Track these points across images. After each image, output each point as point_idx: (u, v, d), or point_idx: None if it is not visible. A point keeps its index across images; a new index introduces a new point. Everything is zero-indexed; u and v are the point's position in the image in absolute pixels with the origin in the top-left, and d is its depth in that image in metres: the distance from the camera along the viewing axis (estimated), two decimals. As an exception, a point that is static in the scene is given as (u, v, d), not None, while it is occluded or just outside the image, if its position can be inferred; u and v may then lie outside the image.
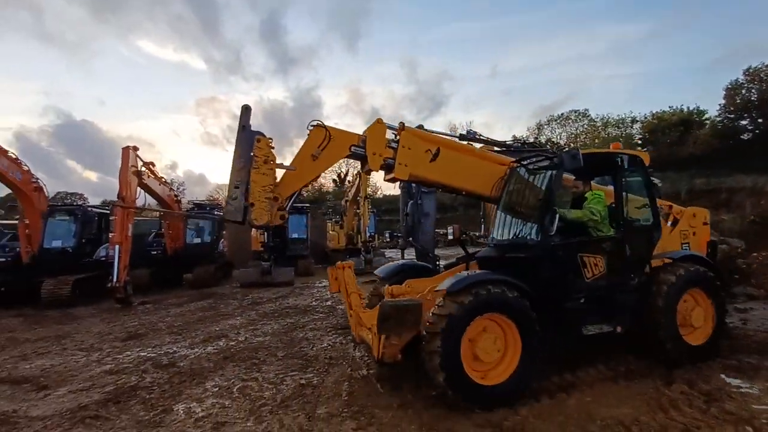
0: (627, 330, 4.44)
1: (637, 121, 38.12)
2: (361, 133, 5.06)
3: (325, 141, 4.96)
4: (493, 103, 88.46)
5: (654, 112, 36.62)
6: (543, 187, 4.60)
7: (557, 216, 4.15)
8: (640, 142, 36.16)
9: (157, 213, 15.33)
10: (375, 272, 5.81)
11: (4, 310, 9.78)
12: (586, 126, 40.37)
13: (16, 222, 11.61)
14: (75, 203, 16.32)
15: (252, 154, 4.62)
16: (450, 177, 5.31)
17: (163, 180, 13.35)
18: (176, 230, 14.23)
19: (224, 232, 17.18)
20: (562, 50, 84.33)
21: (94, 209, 13.52)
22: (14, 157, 10.80)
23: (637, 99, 75.46)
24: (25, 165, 11.17)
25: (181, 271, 13.88)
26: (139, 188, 10.93)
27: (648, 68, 73.30)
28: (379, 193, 46.87)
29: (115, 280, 9.93)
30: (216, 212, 16.85)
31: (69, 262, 11.20)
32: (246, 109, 4.82)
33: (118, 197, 10.19)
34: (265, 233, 10.69)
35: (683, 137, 32.65)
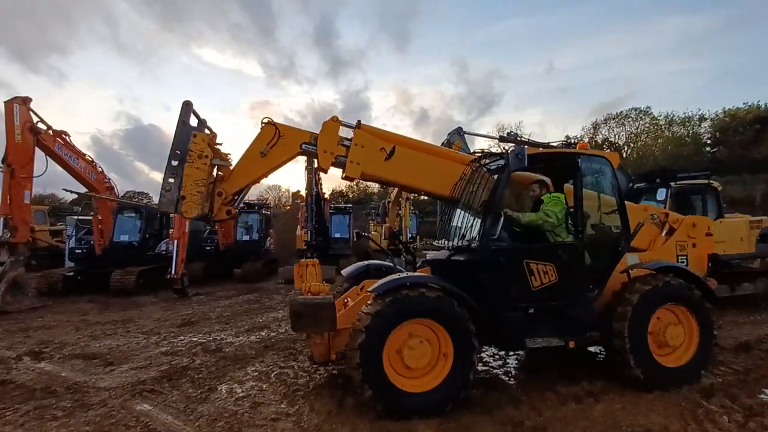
0: (584, 345, 4.27)
1: (706, 119, 35.08)
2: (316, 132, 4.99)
3: (274, 138, 4.93)
4: (547, 102, 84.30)
5: (726, 109, 33.51)
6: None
7: (501, 219, 4.00)
8: (708, 141, 33.32)
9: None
10: (342, 272, 5.74)
11: (79, 296, 10.95)
12: (647, 124, 37.65)
13: (91, 218, 12.89)
14: (142, 201, 17.98)
15: (188, 148, 4.73)
16: (405, 176, 5.14)
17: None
18: (228, 228, 15.17)
19: (271, 230, 18.07)
20: (621, 45, 79.05)
21: (154, 206, 14.75)
22: (90, 159, 12.05)
23: (705, 96, 68.99)
24: (99, 166, 12.41)
25: (231, 266, 14.76)
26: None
27: (718, 62, 66.98)
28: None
29: (173, 272, 10.87)
30: (264, 211, 17.77)
31: (134, 254, 12.32)
32: (186, 105, 4.95)
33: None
34: (309, 232, 11.14)
35: (759, 136, 29.64)
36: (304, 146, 5.04)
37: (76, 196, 16.56)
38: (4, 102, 9.43)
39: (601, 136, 38.80)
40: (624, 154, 35.96)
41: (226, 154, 5.13)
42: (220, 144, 5.07)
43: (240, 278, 14.25)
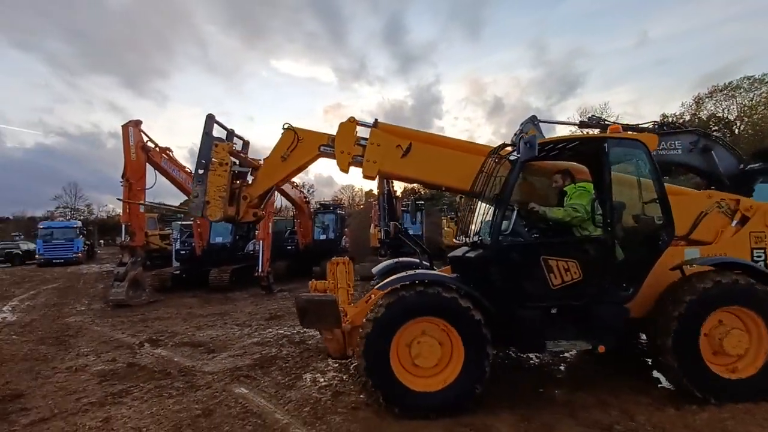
0: (617, 350, 3.80)
1: None
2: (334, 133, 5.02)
3: (294, 143, 5.12)
4: (640, 77, 75.66)
5: None
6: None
7: (514, 213, 3.74)
8: None
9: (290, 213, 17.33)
10: (372, 270, 5.72)
11: (185, 292, 12.39)
12: (765, 95, 32.10)
13: (191, 223, 14.48)
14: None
15: (210, 158, 5.09)
16: (423, 172, 5.00)
17: (296, 185, 15.24)
18: (306, 228, 16.08)
19: (346, 229, 18.77)
20: (730, 5, 68.66)
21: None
22: (189, 171, 13.55)
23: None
24: (196, 176, 13.93)
25: (311, 263, 15.63)
26: (276, 192, 12.74)
27: None
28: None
29: (260, 270, 11.83)
30: (339, 211, 18.53)
31: (228, 255, 13.63)
32: (209, 118, 5.31)
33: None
34: (383, 230, 11.42)
35: None
36: (322, 148, 5.19)
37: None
38: (122, 126, 10.98)
39: (705, 112, 34.05)
40: (736, 130, 31.23)
41: (256, 160, 5.57)
42: (244, 152, 5.57)
43: (319, 275, 15.01)
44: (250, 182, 5.55)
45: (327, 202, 19.08)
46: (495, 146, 4.49)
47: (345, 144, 5.11)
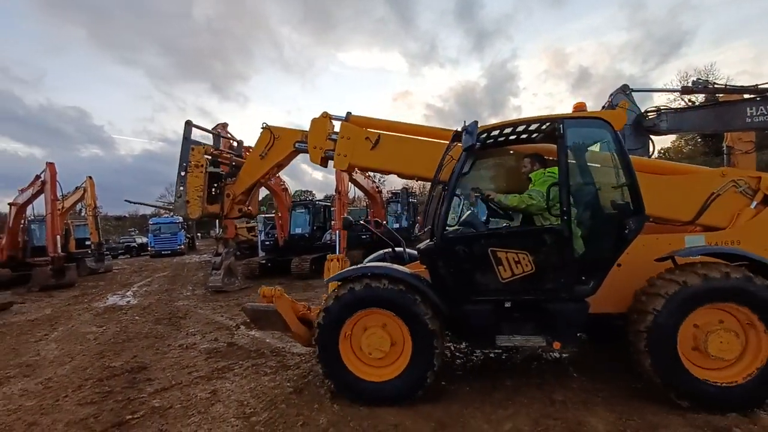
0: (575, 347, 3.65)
1: None
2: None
3: (270, 141, 5.38)
4: (760, 29, 64.23)
5: None
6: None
7: (461, 203, 3.43)
8: None
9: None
10: (365, 260, 5.56)
11: (271, 279, 13.36)
12: None
13: (273, 215, 15.52)
14: (308, 199, 21.12)
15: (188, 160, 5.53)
16: (393, 163, 4.92)
17: (368, 175, 15.53)
18: (379, 217, 16.36)
19: (418, 217, 18.79)
20: None
21: (321, 203, 16.88)
22: (269, 167, 14.52)
23: None
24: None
25: (385, 252, 15.96)
26: (350, 183, 13.12)
27: None
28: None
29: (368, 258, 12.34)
30: (410, 199, 18.60)
31: (307, 244, 14.40)
32: (187, 124, 5.98)
33: (336, 191, 12.51)
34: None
35: None
36: (297, 145, 5.38)
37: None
38: (211, 129, 12.03)
39: None
40: None
41: (241, 159, 6.40)
42: (236, 152, 6.47)
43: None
44: (232, 181, 6.13)
45: (397, 191, 19.22)
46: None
47: (317, 139, 5.22)
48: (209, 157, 6.72)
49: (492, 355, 4.82)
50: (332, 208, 15.74)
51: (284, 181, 15.10)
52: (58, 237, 14.17)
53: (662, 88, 10.52)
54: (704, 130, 7.92)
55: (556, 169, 3.62)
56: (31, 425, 3.76)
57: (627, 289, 3.60)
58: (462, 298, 3.65)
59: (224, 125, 12.26)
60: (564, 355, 4.67)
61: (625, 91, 7.50)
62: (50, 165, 14.59)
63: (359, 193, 15.61)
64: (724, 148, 9.69)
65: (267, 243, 15.44)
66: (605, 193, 3.68)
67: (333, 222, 13.66)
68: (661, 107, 7.39)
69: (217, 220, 12.03)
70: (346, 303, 3.62)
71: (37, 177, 15.05)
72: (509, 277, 3.50)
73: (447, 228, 3.69)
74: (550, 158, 4.00)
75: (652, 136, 7.37)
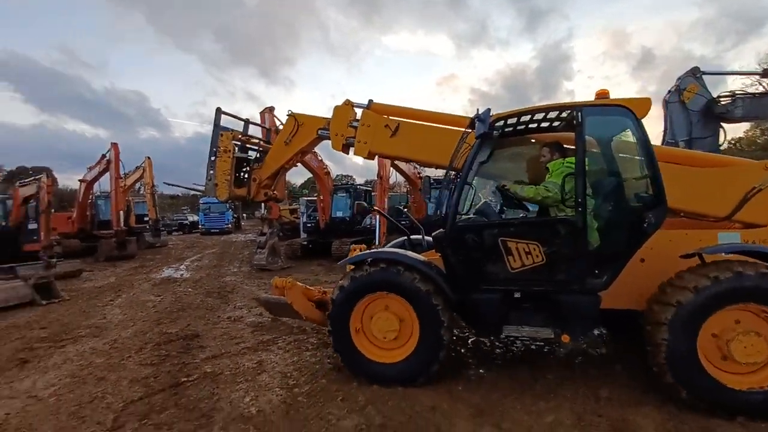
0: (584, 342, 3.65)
1: None
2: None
3: (294, 128, 5.52)
4: None
5: None
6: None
7: (470, 192, 3.67)
8: None
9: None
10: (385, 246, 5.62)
11: (311, 260, 13.77)
12: None
13: (315, 198, 15.86)
14: (349, 183, 21.40)
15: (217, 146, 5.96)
16: (412, 150, 4.94)
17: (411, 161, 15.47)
18: (419, 203, 16.29)
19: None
20: None
21: (362, 187, 17.04)
22: (313, 150, 14.78)
23: None
24: (319, 155, 15.13)
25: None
26: (392, 168, 13.12)
27: None
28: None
29: (377, 243, 12.44)
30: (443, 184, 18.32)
31: (347, 228, 14.63)
32: (217, 111, 6.23)
33: (377, 176, 12.58)
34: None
35: None
36: (320, 131, 5.50)
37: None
38: (259, 112, 12.40)
39: None
40: None
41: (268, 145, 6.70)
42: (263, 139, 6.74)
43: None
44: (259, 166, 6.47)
45: (439, 177, 18.99)
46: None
47: (339, 126, 5.30)
48: (237, 143, 7.03)
49: (534, 347, 4.73)
50: (373, 193, 15.86)
51: (327, 165, 15.36)
52: (121, 212, 15.30)
53: (738, 71, 9.57)
54: (785, 118, 7.17)
55: (570, 159, 3.52)
56: (101, 380, 4.16)
57: (650, 286, 3.39)
58: (471, 286, 3.67)
59: (271, 109, 12.60)
60: (609, 351, 4.49)
61: (695, 74, 6.95)
62: (114, 145, 15.67)
63: (401, 178, 15.58)
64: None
65: (309, 225, 15.85)
66: (625, 184, 3.52)
67: (373, 207, 13.76)
68: (737, 92, 6.78)
69: (262, 203, 12.46)
70: (359, 285, 3.74)
71: (103, 156, 16.23)
72: (519, 267, 3.47)
73: (459, 216, 3.67)
74: (572, 147, 3.78)
75: (723, 124, 6.80)
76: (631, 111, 3.37)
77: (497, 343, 4.89)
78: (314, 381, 3.91)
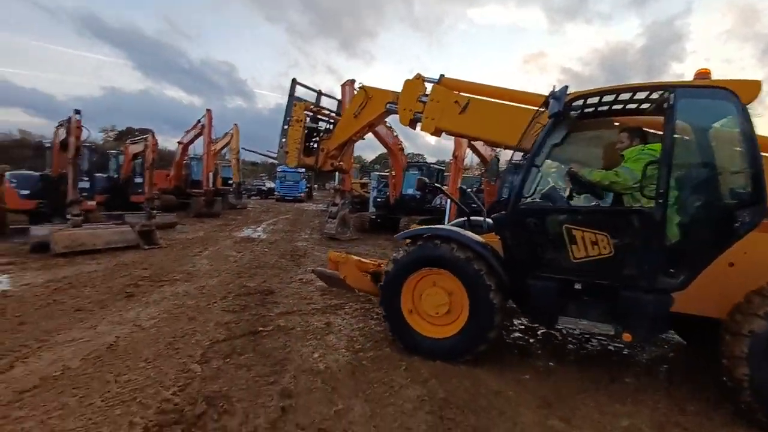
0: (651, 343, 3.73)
1: None
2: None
3: (364, 101, 5.55)
4: None
5: None
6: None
7: (538, 174, 3.58)
8: None
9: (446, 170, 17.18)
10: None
11: (378, 234, 14.02)
12: None
13: (387, 174, 15.97)
14: (422, 162, 21.07)
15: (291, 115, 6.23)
16: (480, 129, 4.67)
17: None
18: (492, 187, 15.72)
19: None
20: None
21: (435, 166, 16.83)
22: (389, 125, 14.79)
23: None
24: (395, 132, 15.11)
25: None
26: (468, 149, 12.74)
27: None
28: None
29: (446, 223, 12.30)
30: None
31: (417, 205, 14.62)
32: (293, 82, 6.56)
33: (453, 156, 12.31)
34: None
35: None
36: (388, 105, 5.43)
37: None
38: (341, 85, 12.62)
39: None
40: None
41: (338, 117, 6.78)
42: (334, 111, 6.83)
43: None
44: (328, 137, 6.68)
45: (518, 161, 18.10)
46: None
47: (408, 101, 5.18)
48: (309, 113, 7.19)
49: (611, 347, 4.41)
50: (446, 173, 15.59)
51: (401, 141, 15.33)
52: (211, 174, 16.72)
53: None
54: None
55: (657, 145, 3.17)
56: (191, 319, 4.65)
57: (736, 294, 2.98)
58: (528, 272, 3.54)
59: (352, 82, 12.71)
60: (701, 363, 4.03)
61: None
62: (208, 112, 17.04)
63: (476, 159, 15.10)
64: None
65: (379, 200, 16.07)
66: (718, 177, 3.13)
67: (445, 187, 13.55)
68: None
69: (336, 173, 12.84)
70: (413, 259, 3.79)
71: (198, 121, 17.74)
72: (582, 257, 3.28)
73: (523, 199, 3.51)
74: (658, 133, 3.41)
75: None
76: (735, 95, 2.96)
77: (570, 338, 4.63)
78: (379, 348, 4.01)
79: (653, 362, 4.10)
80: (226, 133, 20.64)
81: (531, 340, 4.53)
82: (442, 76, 5.11)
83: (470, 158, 13.53)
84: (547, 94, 4.13)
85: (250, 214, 19.67)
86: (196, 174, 19.46)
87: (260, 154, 20.96)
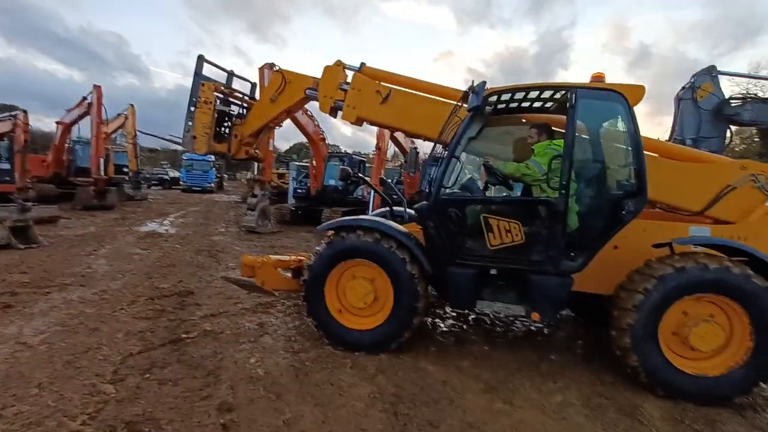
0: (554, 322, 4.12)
1: None
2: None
3: (281, 85, 5.31)
4: None
5: None
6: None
7: (459, 166, 3.71)
8: None
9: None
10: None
11: (300, 226, 13.55)
12: None
13: (307, 164, 15.48)
14: (344, 152, 20.61)
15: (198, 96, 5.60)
16: (401, 120, 4.79)
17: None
18: (413, 178, 16.15)
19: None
20: None
21: (357, 157, 16.72)
22: (310, 114, 14.29)
23: None
24: (316, 121, 14.66)
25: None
26: (389, 140, 12.87)
27: None
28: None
29: (371, 213, 12.33)
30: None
31: (339, 197, 14.41)
32: (199, 59, 5.98)
33: (376, 147, 12.33)
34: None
35: None
36: (308, 91, 5.28)
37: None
38: (258, 68, 11.79)
39: None
40: None
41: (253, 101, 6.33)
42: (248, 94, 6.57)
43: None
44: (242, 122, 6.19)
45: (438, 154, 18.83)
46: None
47: (328, 88, 5.07)
48: (219, 95, 6.63)
49: (533, 328, 4.78)
50: (367, 165, 15.61)
51: (323, 130, 14.93)
52: (102, 160, 14.59)
53: (754, 74, 9.61)
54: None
55: (561, 142, 3.48)
56: (94, 330, 3.97)
57: (621, 272, 3.50)
58: (449, 259, 3.65)
59: (271, 65, 11.94)
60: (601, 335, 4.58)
61: (710, 72, 6.92)
62: (97, 88, 14.77)
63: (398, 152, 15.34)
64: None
65: (299, 191, 15.53)
66: (609, 171, 3.54)
67: (367, 177, 13.56)
68: (748, 95, 6.81)
69: (255, 163, 12.07)
70: (336, 251, 3.74)
71: (84, 99, 15.29)
72: (498, 245, 3.49)
73: (443, 189, 3.64)
74: (560, 131, 3.84)
75: (732, 126, 6.85)
76: (625, 97, 3.33)
77: (497, 322, 4.92)
78: (320, 347, 3.84)
79: (569, 339, 4.54)
80: (120, 114, 18.22)
81: (464, 327, 4.72)
82: (363, 64, 5.05)
83: (391, 150, 13.73)
84: (461, 89, 4.36)
85: (153, 206, 17.67)
86: (83, 160, 16.88)
87: (162, 138, 18.92)
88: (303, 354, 3.68)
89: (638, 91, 3.54)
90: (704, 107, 6.87)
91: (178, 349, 3.67)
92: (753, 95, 6.72)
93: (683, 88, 7.07)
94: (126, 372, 3.20)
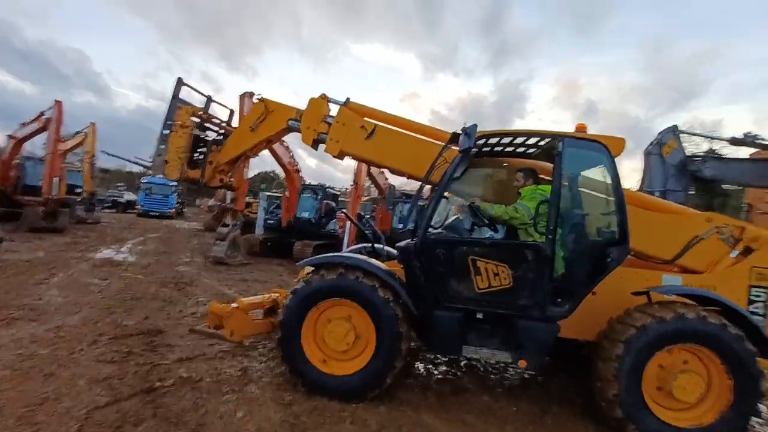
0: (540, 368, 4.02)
1: None
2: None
3: (263, 115, 5.24)
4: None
5: None
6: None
7: (446, 206, 3.65)
8: None
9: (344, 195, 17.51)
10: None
11: (271, 258, 13.04)
12: None
13: (279, 194, 15.13)
14: (318, 184, 20.18)
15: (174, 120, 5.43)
16: (385, 156, 4.81)
17: (382, 171, 15.29)
18: (385, 214, 16.13)
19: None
20: None
21: (331, 190, 16.57)
22: (286, 145, 14.14)
23: None
24: (291, 152, 14.50)
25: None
26: (367, 177, 12.89)
27: None
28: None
29: (345, 249, 12.07)
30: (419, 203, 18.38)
31: (312, 230, 14.08)
32: (178, 82, 5.87)
33: (353, 182, 12.28)
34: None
35: None
36: (290, 122, 5.20)
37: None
38: (239, 95, 11.63)
39: None
40: None
41: (231, 128, 6.28)
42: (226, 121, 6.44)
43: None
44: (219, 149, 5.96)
45: (409, 192, 19.00)
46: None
47: (312, 120, 5.04)
48: (197, 120, 6.45)
49: (527, 375, 4.67)
50: (341, 198, 15.47)
51: (297, 162, 14.76)
52: (56, 179, 13.56)
53: (711, 135, 10.58)
54: (746, 184, 8.00)
55: (547, 187, 3.57)
56: (49, 376, 3.46)
57: (599, 318, 3.57)
58: (434, 302, 3.56)
59: (251, 94, 11.84)
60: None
61: (674, 131, 7.51)
62: (58, 103, 13.96)
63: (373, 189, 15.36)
64: (744, 206, 9.75)
65: (270, 222, 15.07)
66: (593, 218, 3.67)
67: (341, 212, 13.39)
68: (708, 154, 7.41)
69: (227, 192, 11.63)
70: (314, 289, 3.52)
71: (41, 114, 14.37)
72: (485, 288, 3.43)
73: (430, 229, 3.60)
74: (543, 176, 4.03)
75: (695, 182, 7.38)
76: (607, 148, 3.48)
77: (490, 369, 4.79)
78: (311, 397, 3.52)
79: (565, 386, 4.46)
80: (78, 132, 17.19)
81: (458, 373, 4.54)
82: (348, 99, 5.07)
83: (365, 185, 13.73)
84: (446, 130, 4.51)
85: (107, 230, 16.48)
86: (33, 178, 15.63)
87: (128, 160, 17.97)
88: (296, 406, 3.36)
89: (619, 143, 3.68)
90: (670, 162, 7.41)
91: (153, 400, 3.24)
92: (714, 154, 7.32)
93: (651, 143, 7.62)
94: (92, 429, 2.76)
